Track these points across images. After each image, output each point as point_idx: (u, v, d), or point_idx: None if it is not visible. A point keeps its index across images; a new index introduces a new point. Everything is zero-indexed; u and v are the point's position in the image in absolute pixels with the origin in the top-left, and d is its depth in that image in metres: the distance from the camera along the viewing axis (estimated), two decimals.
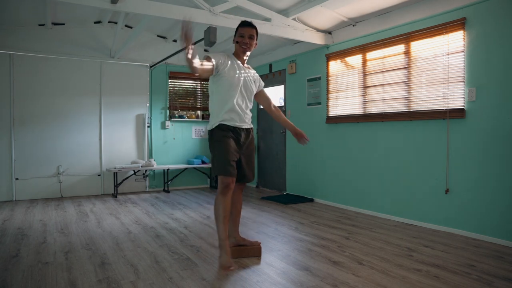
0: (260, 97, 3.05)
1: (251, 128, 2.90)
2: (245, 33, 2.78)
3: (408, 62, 4.10)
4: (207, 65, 2.61)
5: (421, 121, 3.97)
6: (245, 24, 2.81)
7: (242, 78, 2.77)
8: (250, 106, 2.87)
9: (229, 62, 2.74)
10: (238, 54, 2.84)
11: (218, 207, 2.65)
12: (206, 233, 3.69)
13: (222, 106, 2.73)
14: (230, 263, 2.60)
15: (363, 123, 4.65)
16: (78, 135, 5.95)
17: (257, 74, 2.99)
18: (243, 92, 2.78)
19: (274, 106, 3.10)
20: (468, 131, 3.55)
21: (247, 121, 2.83)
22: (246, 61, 2.90)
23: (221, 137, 2.70)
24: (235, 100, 2.73)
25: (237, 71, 2.76)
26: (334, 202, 5.12)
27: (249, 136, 2.86)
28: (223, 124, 2.71)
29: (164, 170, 6.49)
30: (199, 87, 7.02)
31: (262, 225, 4.03)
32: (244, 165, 2.86)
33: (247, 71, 2.85)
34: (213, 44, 4.42)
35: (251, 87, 2.85)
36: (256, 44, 2.86)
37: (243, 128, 2.79)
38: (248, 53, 2.85)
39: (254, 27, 2.83)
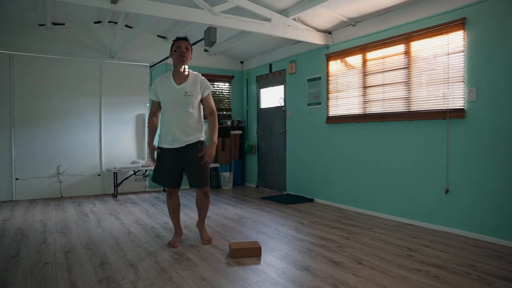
0: (202, 103, 3.17)
1: (196, 141, 3.07)
2: (182, 44, 3.06)
3: (408, 62, 4.10)
4: (154, 106, 3.16)
5: (421, 121, 3.97)
6: (180, 38, 3.10)
7: (174, 96, 3.03)
8: (191, 118, 3.05)
9: (161, 87, 3.08)
10: (175, 67, 3.09)
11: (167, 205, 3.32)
12: None
13: (162, 128, 3.11)
14: (176, 242, 3.24)
15: (363, 123, 4.65)
16: (78, 135, 5.95)
17: (201, 82, 3.09)
18: (177, 109, 3.03)
19: (211, 113, 3.15)
20: (468, 131, 3.55)
21: (185, 138, 3.04)
22: (185, 71, 3.09)
23: (159, 157, 3.13)
24: (171, 121, 3.04)
25: (168, 93, 3.04)
26: (334, 202, 5.12)
27: (193, 149, 3.06)
28: (161, 148, 3.12)
29: None
30: None
31: (262, 225, 4.03)
32: (188, 175, 3.15)
33: (181, 87, 3.03)
34: (213, 44, 4.42)
35: (187, 100, 3.02)
36: (191, 57, 3.12)
37: (179, 147, 3.05)
38: (186, 64, 3.07)
39: (189, 42, 3.12)
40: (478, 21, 3.47)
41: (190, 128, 3.05)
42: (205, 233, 3.35)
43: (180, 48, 3.03)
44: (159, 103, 3.14)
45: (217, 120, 3.16)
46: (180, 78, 3.07)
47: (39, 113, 5.68)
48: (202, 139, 3.13)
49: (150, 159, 3.14)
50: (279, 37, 5.37)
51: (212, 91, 3.18)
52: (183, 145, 3.04)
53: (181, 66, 3.05)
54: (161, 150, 3.11)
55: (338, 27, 4.98)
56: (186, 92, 3.02)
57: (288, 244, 3.33)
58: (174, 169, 3.10)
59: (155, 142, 3.19)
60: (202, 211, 3.30)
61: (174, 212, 3.27)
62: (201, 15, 4.19)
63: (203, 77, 3.15)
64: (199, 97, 3.10)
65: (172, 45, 3.10)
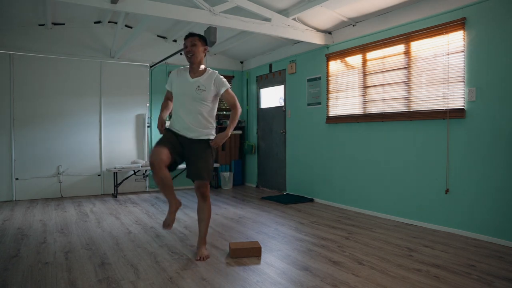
0: (224, 99, 3.04)
1: (202, 139, 2.90)
2: (187, 43, 2.93)
3: (408, 62, 4.10)
4: (169, 94, 3.09)
5: (421, 121, 3.97)
6: (186, 36, 2.96)
7: (186, 88, 2.91)
8: (200, 115, 2.89)
9: (176, 79, 2.98)
10: (190, 65, 2.98)
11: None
12: None
13: (173, 114, 3.00)
14: (171, 222, 2.81)
15: (363, 123, 4.65)
16: (78, 135, 5.95)
17: (216, 79, 2.93)
18: (186, 103, 2.90)
19: (233, 106, 3.02)
20: (468, 131, 3.55)
21: (192, 134, 2.89)
22: (200, 67, 2.96)
23: (164, 132, 2.96)
24: (179, 112, 2.93)
25: (181, 85, 2.94)
26: (334, 202, 5.12)
27: (198, 145, 2.89)
28: (169, 128, 2.98)
29: None
30: None
31: (262, 225, 4.03)
32: (188, 164, 2.93)
33: (195, 80, 2.90)
34: (213, 44, 4.42)
35: (199, 94, 2.87)
36: (205, 49, 2.97)
37: (186, 137, 2.90)
38: (197, 60, 2.92)
39: (196, 35, 2.96)
40: (478, 21, 3.47)
41: (198, 124, 2.88)
42: (202, 250, 2.96)
43: (186, 48, 2.91)
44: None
45: (237, 115, 3.00)
46: (195, 72, 2.95)
47: (39, 113, 5.68)
48: (212, 137, 2.94)
49: (158, 129, 2.93)
50: (279, 37, 5.37)
51: (229, 88, 3.01)
52: (187, 137, 2.89)
53: (194, 64, 2.93)
54: (168, 130, 2.95)
55: (338, 27, 4.98)
56: (199, 86, 2.87)
57: (288, 244, 3.32)
58: (175, 143, 2.86)
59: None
60: (202, 222, 2.96)
61: (167, 185, 2.78)
62: (201, 15, 4.19)
63: (218, 74, 2.99)
64: (213, 94, 2.92)
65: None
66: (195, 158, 2.88)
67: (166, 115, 3.06)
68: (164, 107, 3.10)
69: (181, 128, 2.90)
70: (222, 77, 2.98)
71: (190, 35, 2.95)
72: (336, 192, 5.08)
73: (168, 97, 3.12)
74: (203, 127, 2.90)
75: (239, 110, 3.03)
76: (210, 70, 2.98)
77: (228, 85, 3.00)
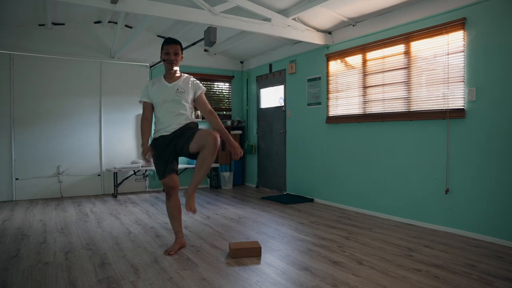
0: (197, 104, 3.10)
1: (183, 124, 2.98)
2: (170, 50, 2.98)
3: (408, 62, 4.10)
4: (147, 109, 3.13)
5: (421, 121, 3.97)
6: (169, 42, 3.00)
7: (166, 94, 2.98)
8: (183, 115, 2.99)
9: (153, 88, 3.04)
10: (166, 71, 3.06)
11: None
12: (206, 233, 3.69)
13: (156, 122, 3.10)
14: (173, 250, 3.02)
15: (363, 123, 4.65)
16: (78, 135, 5.95)
17: (192, 82, 3.05)
18: (169, 107, 2.98)
19: (210, 112, 3.06)
20: (468, 131, 3.55)
21: (174, 126, 2.97)
22: (176, 72, 3.06)
23: (154, 153, 3.05)
24: (162, 118, 3.02)
25: (160, 92, 3.00)
26: (334, 202, 5.12)
27: (180, 129, 2.97)
28: (154, 139, 3.06)
29: None
30: None
31: (262, 225, 4.03)
32: (181, 145, 2.90)
33: (173, 85, 2.99)
34: (213, 44, 4.42)
35: (180, 96, 2.97)
36: (182, 57, 3.08)
37: (169, 133, 2.97)
38: (176, 68, 3.03)
39: (178, 43, 3.04)
40: (478, 21, 3.47)
41: (181, 123, 2.98)
42: (192, 200, 2.81)
43: (169, 55, 2.97)
44: (152, 105, 3.09)
45: (219, 119, 3.05)
46: (171, 78, 3.04)
47: (39, 113, 5.68)
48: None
49: (142, 158, 2.97)
50: (279, 37, 5.37)
51: (205, 91, 3.12)
52: (171, 131, 2.98)
53: (171, 71, 3.03)
54: (154, 144, 3.02)
55: (338, 27, 4.98)
56: (178, 89, 2.97)
57: (288, 244, 3.32)
58: (169, 154, 2.97)
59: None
60: (201, 170, 2.77)
61: (174, 217, 3.08)
62: (201, 15, 4.19)
63: (194, 78, 3.13)
64: (192, 96, 3.03)
65: (162, 47, 3.02)
66: (182, 138, 2.91)
67: (148, 141, 3.09)
68: (144, 132, 3.10)
69: (164, 129, 2.99)
70: (197, 81, 3.11)
71: (173, 42, 3.00)
72: (336, 192, 5.08)
73: (147, 117, 3.11)
74: (180, 119, 2.99)
75: (215, 113, 3.09)
76: (185, 75, 3.10)
77: (204, 89, 3.12)
